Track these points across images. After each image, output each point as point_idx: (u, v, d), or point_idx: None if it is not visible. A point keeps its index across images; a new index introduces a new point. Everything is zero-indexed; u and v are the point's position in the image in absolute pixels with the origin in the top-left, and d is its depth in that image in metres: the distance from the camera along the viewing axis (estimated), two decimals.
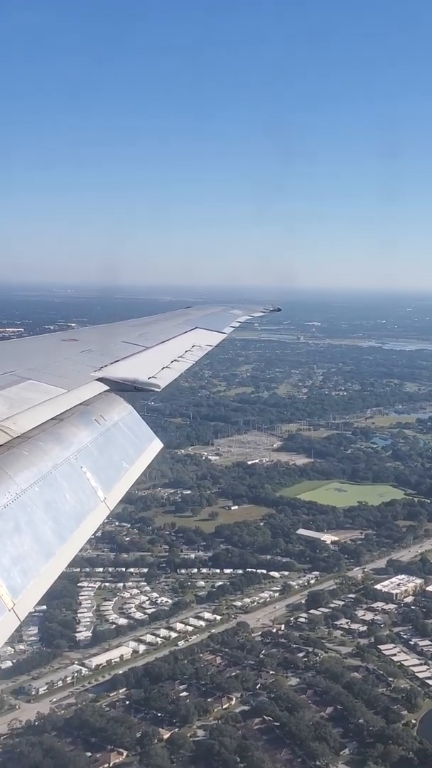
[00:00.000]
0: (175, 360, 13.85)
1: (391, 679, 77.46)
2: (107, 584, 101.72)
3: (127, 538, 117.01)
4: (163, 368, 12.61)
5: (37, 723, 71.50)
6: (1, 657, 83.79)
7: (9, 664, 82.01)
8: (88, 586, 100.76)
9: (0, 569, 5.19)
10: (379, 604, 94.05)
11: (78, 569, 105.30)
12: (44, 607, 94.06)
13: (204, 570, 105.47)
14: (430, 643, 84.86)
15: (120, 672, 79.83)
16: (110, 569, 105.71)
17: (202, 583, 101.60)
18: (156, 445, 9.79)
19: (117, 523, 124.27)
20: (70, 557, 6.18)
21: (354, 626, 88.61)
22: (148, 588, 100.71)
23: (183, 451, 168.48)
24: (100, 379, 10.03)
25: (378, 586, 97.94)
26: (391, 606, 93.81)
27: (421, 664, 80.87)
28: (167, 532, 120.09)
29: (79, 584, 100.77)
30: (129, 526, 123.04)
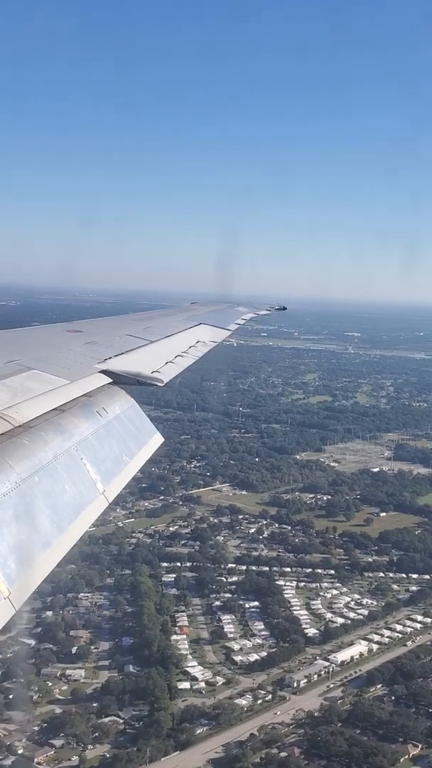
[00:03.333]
0: (178, 355, 13.81)
1: None
2: (302, 584, 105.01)
3: (297, 540, 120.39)
4: (166, 363, 12.54)
5: (317, 714, 74.71)
6: (243, 649, 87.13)
7: (255, 657, 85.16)
8: (286, 585, 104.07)
9: None
10: None
11: (266, 568, 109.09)
12: (256, 603, 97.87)
13: (390, 574, 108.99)
14: None
15: (367, 668, 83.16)
16: (297, 569, 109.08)
17: (395, 586, 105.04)
18: (156, 440, 9.61)
19: (277, 525, 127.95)
20: (67, 548, 6.13)
21: None
22: (345, 589, 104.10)
23: (298, 456, 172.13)
24: (103, 372, 9.92)
25: None
26: None
27: None
28: (331, 536, 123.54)
29: (276, 582, 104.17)
30: (290, 528, 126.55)
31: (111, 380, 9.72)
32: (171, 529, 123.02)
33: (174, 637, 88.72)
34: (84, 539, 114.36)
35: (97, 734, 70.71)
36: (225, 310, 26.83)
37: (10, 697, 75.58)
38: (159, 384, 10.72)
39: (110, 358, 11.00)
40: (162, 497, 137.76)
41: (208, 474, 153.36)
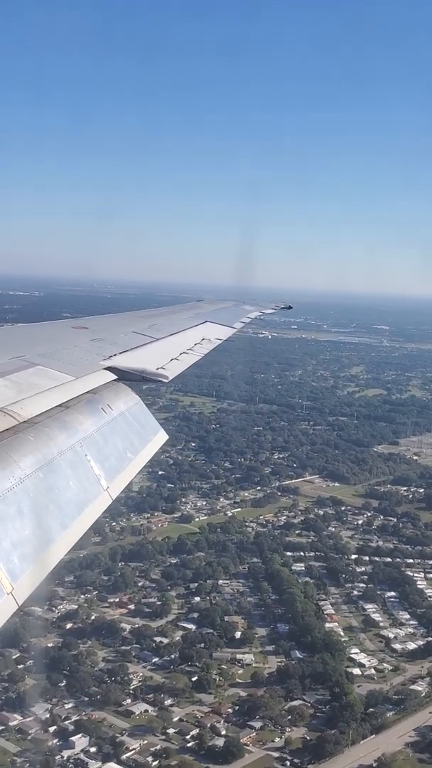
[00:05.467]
0: (184, 352, 13.86)
1: None
2: (430, 575, 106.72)
3: (408, 532, 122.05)
4: (171, 360, 12.60)
5: None
6: (397, 638, 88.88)
7: (413, 645, 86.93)
8: (415, 576, 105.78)
9: (0, 553, 5.20)
10: None
11: (389, 559, 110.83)
12: (393, 593, 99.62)
13: None
14: None
15: None
16: (419, 560, 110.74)
17: None
18: (161, 437, 9.64)
19: (382, 517, 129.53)
20: (70, 544, 6.15)
21: None
22: None
23: (377, 449, 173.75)
24: (109, 368, 9.94)
25: None
26: None
27: None
28: None
29: (406, 572, 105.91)
30: (396, 520, 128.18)
31: (116, 377, 9.74)
32: (281, 519, 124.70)
33: (326, 624, 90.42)
34: (203, 527, 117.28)
35: (290, 717, 72.43)
36: (231, 308, 26.91)
37: (193, 679, 77.47)
38: (164, 380, 10.85)
39: (115, 355, 11.00)
40: (259, 488, 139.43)
41: (296, 465, 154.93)
